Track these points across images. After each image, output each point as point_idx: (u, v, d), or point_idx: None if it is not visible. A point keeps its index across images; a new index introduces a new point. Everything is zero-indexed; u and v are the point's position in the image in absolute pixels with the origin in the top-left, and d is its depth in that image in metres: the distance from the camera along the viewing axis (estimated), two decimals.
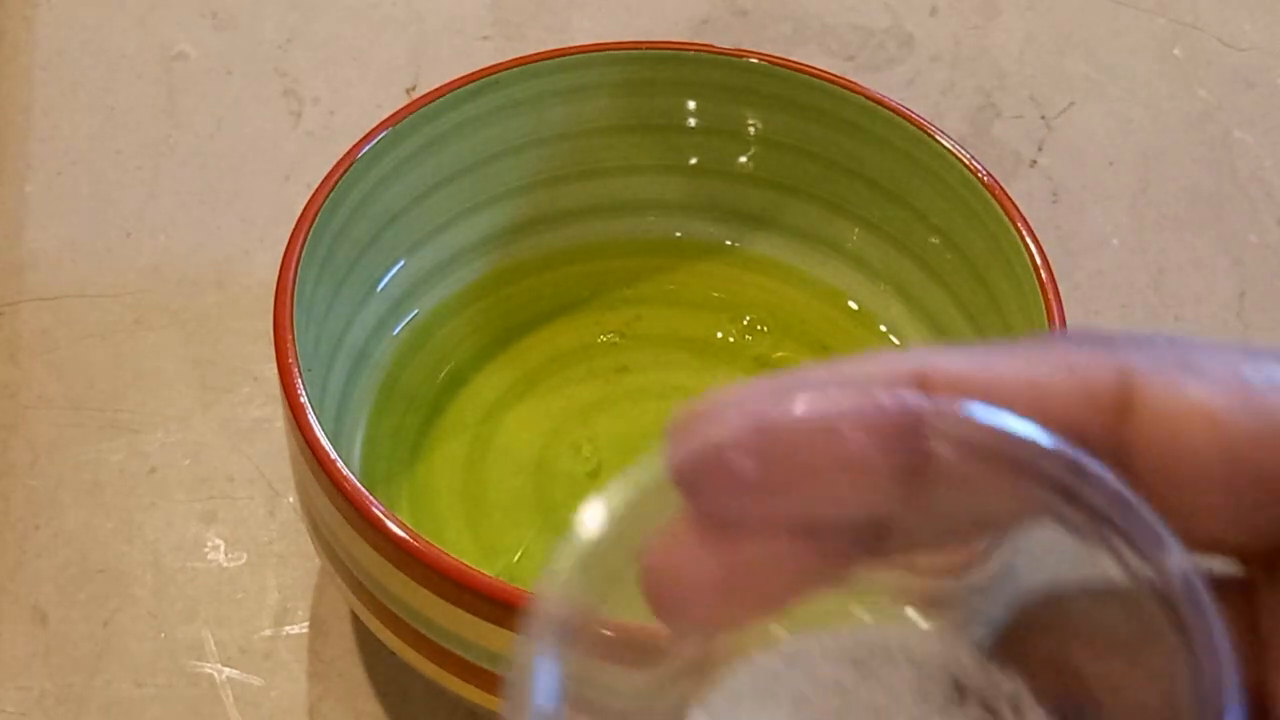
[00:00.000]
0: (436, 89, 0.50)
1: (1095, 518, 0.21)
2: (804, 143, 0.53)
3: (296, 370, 0.42)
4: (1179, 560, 0.20)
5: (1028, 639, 0.23)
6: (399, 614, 0.42)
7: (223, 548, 0.51)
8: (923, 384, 0.21)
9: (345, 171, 0.47)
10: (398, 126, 0.49)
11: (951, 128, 0.62)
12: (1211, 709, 0.19)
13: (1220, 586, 0.22)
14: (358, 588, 0.43)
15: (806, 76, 0.51)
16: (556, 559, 0.22)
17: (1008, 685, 0.23)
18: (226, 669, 0.49)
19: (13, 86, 0.64)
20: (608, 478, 0.48)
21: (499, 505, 0.49)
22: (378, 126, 0.49)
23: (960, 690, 0.23)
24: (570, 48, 0.52)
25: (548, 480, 0.50)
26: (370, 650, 0.49)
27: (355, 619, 0.49)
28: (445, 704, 0.48)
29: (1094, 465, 0.21)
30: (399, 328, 0.51)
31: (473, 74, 0.51)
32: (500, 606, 0.39)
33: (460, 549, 0.47)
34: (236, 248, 0.59)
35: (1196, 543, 0.21)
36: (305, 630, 0.50)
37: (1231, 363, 0.21)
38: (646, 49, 0.52)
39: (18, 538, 0.51)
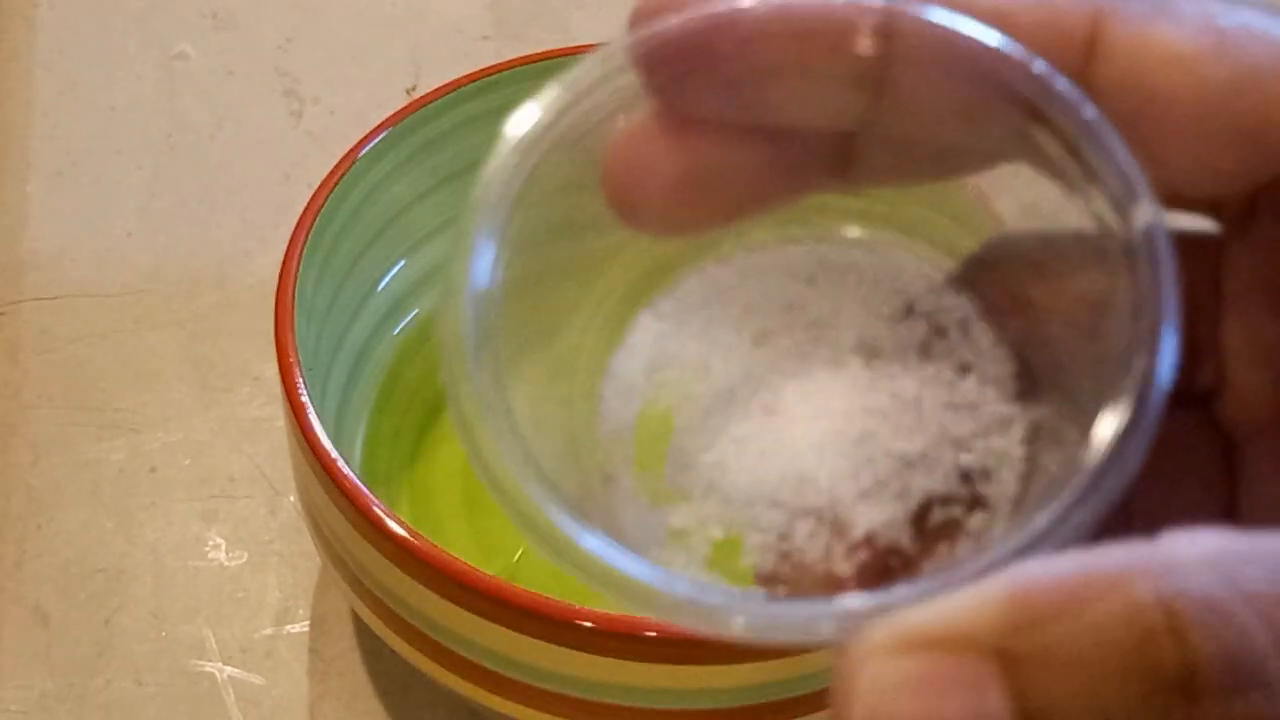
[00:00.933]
0: (436, 89, 0.50)
1: (1066, 149, 0.20)
2: None
3: (297, 370, 0.42)
4: (1145, 206, 0.19)
5: (983, 268, 0.23)
6: (399, 613, 0.42)
7: (223, 547, 0.51)
8: None
9: (345, 171, 0.47)
10: (398, 126, 0.49)
11: None
12: (1149, 336, 0.19)
13: (1190, 246, 0.21)
14: (358, 587, 0.43)
15: None
16: (508, 132, 0.21)
17: (958, 308, 0.23)
18: (227, 668, 0.49)
19: (13, 86, 0.64)
20: None
21: (499, 505, 0.49)
22: (378, 126, 0.49)
23: (910, 309, 0.23)
24: (570, 48, 0.52)
25: None
26: (371, 649, 0.49)
27: (356, 618, 0.49)
28: (445, 702, 0.48)
29: (1065, 84, 0.20)
30: (399, 327, 0.51)
31: (473, 74, 0.51)
32: (500, 606, 0.39)
33: (460, 548, 0.47)
34: (236, 248, 0.59)
35: (1166, 189, 0.20)
36: (306, 629, 0.50)
37: (1206, 8, 0.21)
38: None
39: (18, 538, 0.51)
